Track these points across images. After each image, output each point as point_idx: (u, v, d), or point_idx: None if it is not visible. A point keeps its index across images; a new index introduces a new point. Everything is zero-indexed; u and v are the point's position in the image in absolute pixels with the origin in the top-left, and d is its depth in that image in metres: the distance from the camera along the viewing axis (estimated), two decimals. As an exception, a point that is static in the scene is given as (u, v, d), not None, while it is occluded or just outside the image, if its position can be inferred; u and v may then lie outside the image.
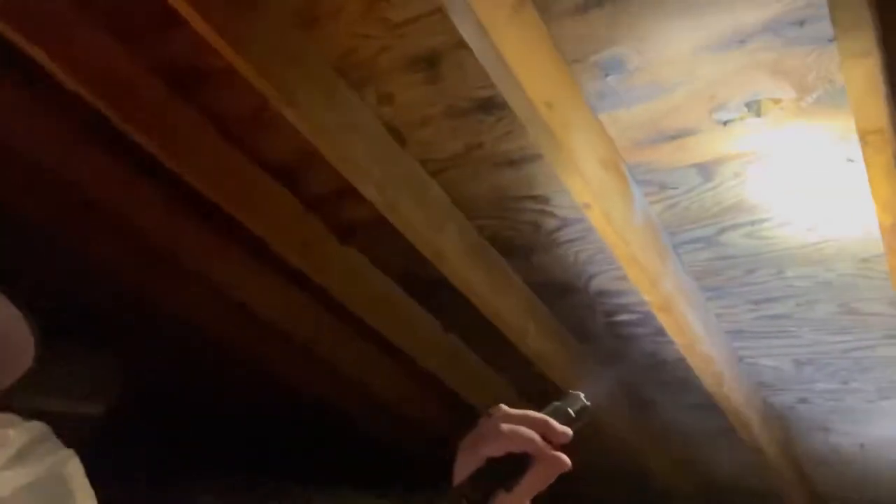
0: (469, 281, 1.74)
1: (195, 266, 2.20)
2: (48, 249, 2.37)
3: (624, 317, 1.85)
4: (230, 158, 1.74)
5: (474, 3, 1.07)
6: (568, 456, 0.73)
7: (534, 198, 1.59)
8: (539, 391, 2.14)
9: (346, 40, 1.36)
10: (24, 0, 1.40)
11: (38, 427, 0.86)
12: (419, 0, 1.25)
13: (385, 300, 2.07)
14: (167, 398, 3.06)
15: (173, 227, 2.10)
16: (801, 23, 1.09)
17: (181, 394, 3.10)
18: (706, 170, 1.38)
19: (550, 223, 1.64)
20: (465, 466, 0.72)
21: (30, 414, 0.86)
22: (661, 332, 1.73)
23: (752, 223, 1.45)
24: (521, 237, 1.71)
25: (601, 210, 1.37)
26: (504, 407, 0.75)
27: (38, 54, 1.46)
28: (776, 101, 1.21)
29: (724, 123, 1.27)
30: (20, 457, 0.81)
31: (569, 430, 0.74)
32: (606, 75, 1.25)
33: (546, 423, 0.73)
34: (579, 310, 1.89)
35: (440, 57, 1.34)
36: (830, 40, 1.07)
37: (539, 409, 0.76)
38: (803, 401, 1.91)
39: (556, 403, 0.78)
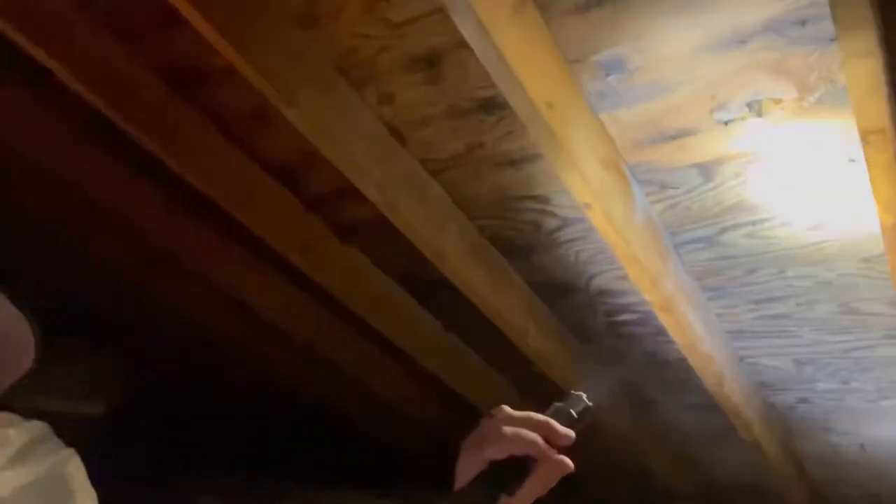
0: (470, 281, 1.74)
1: (195, 266, 2.20)
2: (48, 249, 2.37)
3: (625, 317, 1.85)
4: (230, 158, 1.74)
5: (475, 2, 1.07)
6: (570, 457, 0.72)
7: (534, 198, 1.59)
8: (540, 391, 2.14)
9: (346, 40, 1.36)
10: (24, 0, 1.40)
11: (38, 426, 0.86)
12: (419, 0, 1.25)
13: (386, 300, 2.07)
14: (167, 398, 3.06)
15: (173, 227, 2.10)
16: (803, 22, 1.08)
17: (181, 394, 3.10)
18: (707, 170, 1.38)
19: (551, 223, 1.64)
20: (467, 467, 0.72)
21: (30, 414, 0.85)
22: (661, 331, 1.73)
23: (753, 223, 1.45)
24: (522, 237, 1.71)
25: (602, 210, 1.37)
26: (506, 408, 0.75)
27: (39, 54, 1.46)
28: (777, 101, 1.21)
29: (725, 123, 1.27)
30: (20, 456, 0.81)
31: (571, 433, 0.74)
32: (607, 75, 1.25)
33: (549, 425, 0.73)
34: (580, 310, 1.89)
35: (441, 57, 1.34)
36: (832, 40, 1.07)
37: (540, 410, 0.76)
38: (804, 401, 1.91)
39: (558, 404, 0.77)
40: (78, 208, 2.15)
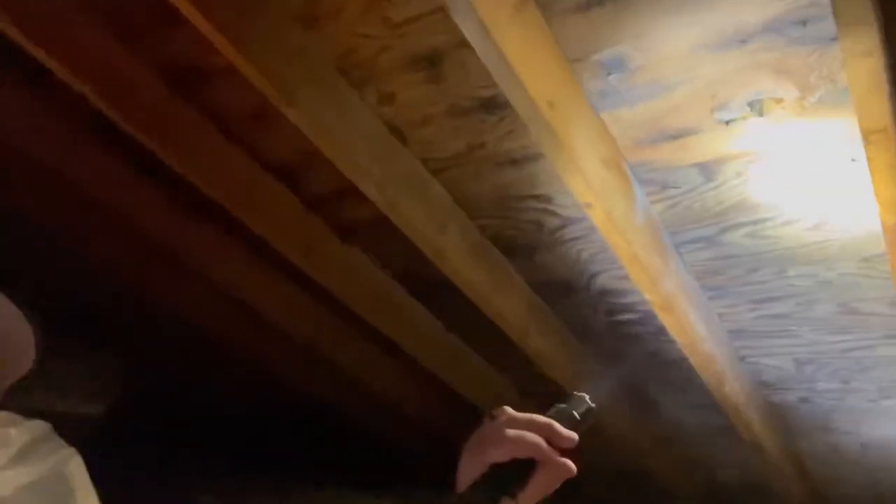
0: (471, 280, 1.74)
1: (195, 266, 2.20)
2: (48, 249, 2.37)
3: (626, 316, 1.85)
4: (231, 158, 1.74)
5: (476, 2, 1.07)
6: (572, 459, 0.72)
7: (536, 197, 1.59)
8: (540, 391, 2.14)
9: (346, 40, 1.36)
10: (24, 0, 1.40)
11: (39, 426, 0.86)
12: (420, -1, 1.25)
13: (386, 300, 2.07)
14: (167, 398, 3.06)
15: (173, 227, 2.10)
16: (804, 22, 1.08)
17: (181, 394, 3.10)
18: (708, 169, 1.38)
19: (552, 222, 1.64)
20: (468, 468, 0.71)
21: (30, 414, 0.85)
22: (662, 331, 1.73)
23: (754, 223, 1.45)
24: (523, 236, 1.71)
25: (603, 209, 1.37)
26: (508, 410, 0.74)
27: (39, 54, 1.46)
28: (778, 101, 1.20)
29: (726, 123, 1.27)
30: (22, 456, 0.81)
31: (574, 435, 0.73)
32: (608, 74, 1.25)
33: (551, 427, 0.72)
34: (581, 309, 1.88)
35: (442, 56, 1.34)
36: (833, 40, 1.07)
37: (542, 411, 0.75)
38: (804, 400, 1.91)
39: (560, 406, 0.76)
40: (78, 208, 2.15)
